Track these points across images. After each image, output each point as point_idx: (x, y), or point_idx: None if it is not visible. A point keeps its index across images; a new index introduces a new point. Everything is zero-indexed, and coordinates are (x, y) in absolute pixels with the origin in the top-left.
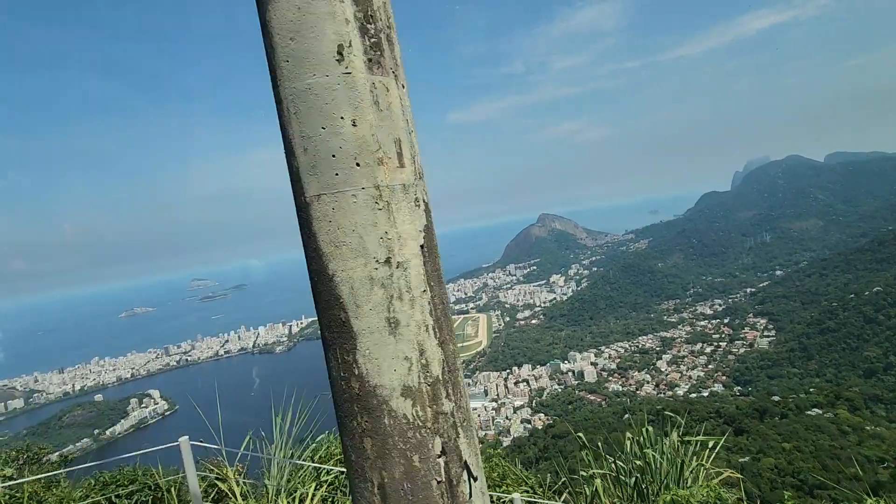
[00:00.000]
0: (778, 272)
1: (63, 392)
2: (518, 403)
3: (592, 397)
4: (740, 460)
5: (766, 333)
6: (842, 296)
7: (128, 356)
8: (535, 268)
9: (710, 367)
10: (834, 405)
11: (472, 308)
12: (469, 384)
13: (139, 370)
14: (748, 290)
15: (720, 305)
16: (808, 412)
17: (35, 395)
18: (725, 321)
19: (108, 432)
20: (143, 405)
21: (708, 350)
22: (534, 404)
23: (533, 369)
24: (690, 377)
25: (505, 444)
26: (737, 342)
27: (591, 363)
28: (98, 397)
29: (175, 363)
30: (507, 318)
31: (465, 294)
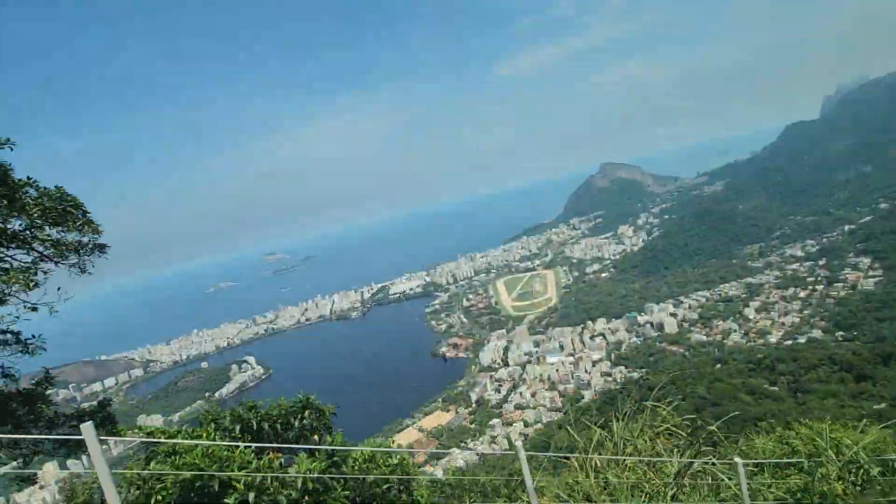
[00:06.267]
0: (882, 205)
1: (173, 361)
2: (596, 357)
3: (674, 348)
4: (875, 407)
5: (871, 273)
6: None
7: (221, 327)
8: (600, 220)
9: (805, 312)
10: None
11: (538, 265)
12: (543, 339)
13: (233, 339)
14: (846, 227)
15: (813, 246)
16: None
17: (151, 364)
18: (821, 262)
19: (217, 395)
20: (242, 370)
21: (802, 294)
22: (612, 357)
23: (608, 323)
24: (783, 324)
25: (587, 398)
26: (836, 284)
27: (671, 314)
28: (204, 364)
29: (263, 332)
30: (576, 273)
31: (530, 251)
